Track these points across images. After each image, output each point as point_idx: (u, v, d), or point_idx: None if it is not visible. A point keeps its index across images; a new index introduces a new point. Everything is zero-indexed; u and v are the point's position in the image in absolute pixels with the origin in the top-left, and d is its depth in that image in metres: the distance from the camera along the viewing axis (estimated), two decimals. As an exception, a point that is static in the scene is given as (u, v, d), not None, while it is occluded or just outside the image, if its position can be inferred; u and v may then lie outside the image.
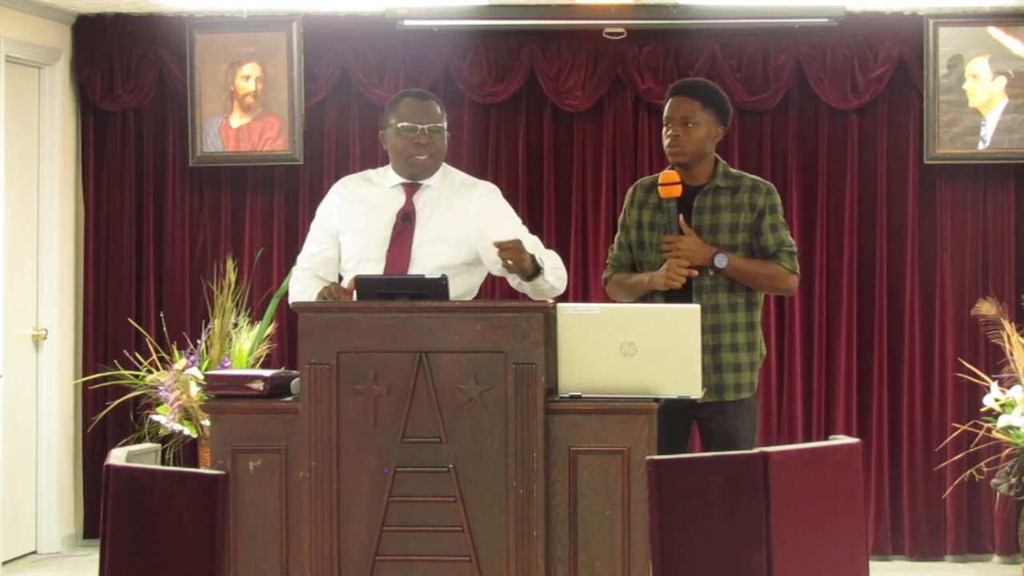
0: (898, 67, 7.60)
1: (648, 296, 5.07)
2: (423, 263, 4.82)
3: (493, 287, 6.78)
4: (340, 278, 4.95)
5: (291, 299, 5.00)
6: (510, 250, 4.62)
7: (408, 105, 4.93)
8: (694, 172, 5.10)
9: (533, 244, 4.86)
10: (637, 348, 4.37)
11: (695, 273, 5.00)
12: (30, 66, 7.64)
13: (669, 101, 5.12)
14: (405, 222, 4.89)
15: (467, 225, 4.90)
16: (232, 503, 4.19)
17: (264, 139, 7.78)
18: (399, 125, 4.89)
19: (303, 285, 4.94)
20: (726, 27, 7.54)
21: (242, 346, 7.55)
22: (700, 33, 7.62)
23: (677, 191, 5.02)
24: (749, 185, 5.11)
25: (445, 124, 4.95)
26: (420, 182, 4.94)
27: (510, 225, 4.92)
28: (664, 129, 5.12)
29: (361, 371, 4.34)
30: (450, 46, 7.72)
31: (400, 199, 4.93)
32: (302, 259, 5.06)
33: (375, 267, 4.84)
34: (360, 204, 4.96)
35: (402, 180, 4.96)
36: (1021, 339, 7.16)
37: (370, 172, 5.11)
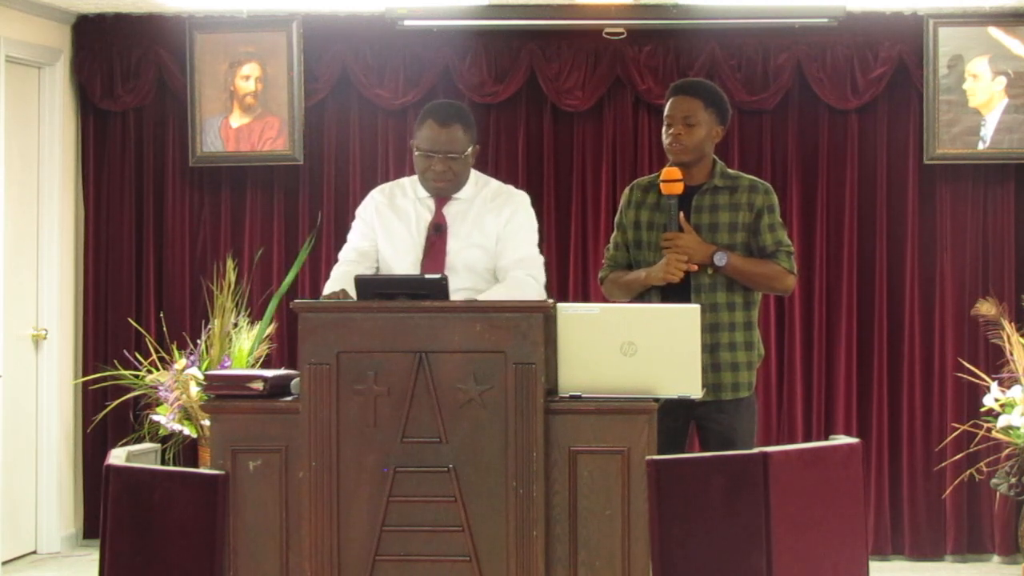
0: (898, 67, 7.59)
1: (645, 294, 5.06)
2: (459, 270, 4.85)
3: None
4: None
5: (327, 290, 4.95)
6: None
7: (429, 129, 4.89)
8: (693, 172, 5.09)
9: (524, 258, 4.92)
10: (637, 348, 4.37)
11: (694, 268, 5.00)
12: (30, 66, 7.64)
13: (670, 100, 5.12)
14: (437, 233, 4.90)
15: (495, 236, 4.93)
16: (232, 503, 4.19)
17: (264, 139, 7.77)
18: (416, 151, 4.92)
19: (343, 281, 4.81)
20: (726, 27, 7.54)
21: (242, 346, 7.55)
22: (700, 33, 7.61)
23: (679, 188, 5.01)
24: (747, 185, 5.11)
25: (467, 148, 4.90)
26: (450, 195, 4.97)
27: (523, 245, 4.95)
28: (665, 128, 5.11)
29: (361, 371, 4.34)
30: (450, 46, 7.72)
31: (431, 210, 4.96)
32: (348, 252, 5.02)
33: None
34: (396, 212, 4.98)
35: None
36: (1021, 339, 7.16)
37: (404, 180, 5.10)
